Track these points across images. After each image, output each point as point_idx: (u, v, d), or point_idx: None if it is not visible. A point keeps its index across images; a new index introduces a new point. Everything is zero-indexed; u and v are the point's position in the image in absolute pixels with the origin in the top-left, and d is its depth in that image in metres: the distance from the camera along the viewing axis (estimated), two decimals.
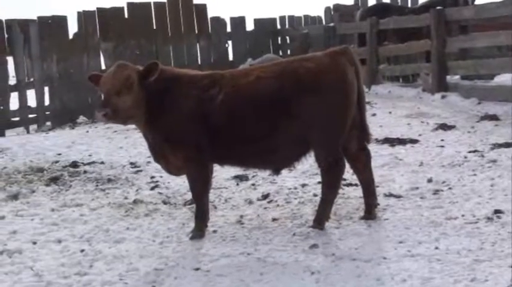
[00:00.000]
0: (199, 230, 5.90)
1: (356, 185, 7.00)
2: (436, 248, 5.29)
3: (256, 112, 5.69)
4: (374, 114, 11.24)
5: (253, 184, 7.45)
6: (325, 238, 5.67)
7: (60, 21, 13.44)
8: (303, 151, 5.83)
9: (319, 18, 18.54)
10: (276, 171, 6.07)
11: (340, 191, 6.78)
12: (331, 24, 16.29)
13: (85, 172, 8.31)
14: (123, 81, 5.73)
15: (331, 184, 5.83)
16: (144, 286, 5.02)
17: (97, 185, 7.77)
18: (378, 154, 8.31)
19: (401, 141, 9.05)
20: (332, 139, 5.72)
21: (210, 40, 15.38)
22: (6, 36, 12.89)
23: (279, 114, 5.64)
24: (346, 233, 5.75)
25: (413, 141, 9.07)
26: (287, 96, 5.62)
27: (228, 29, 15.78)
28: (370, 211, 6.06)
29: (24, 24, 13.03)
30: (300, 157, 5.89)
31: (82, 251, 5.71)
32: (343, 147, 5.80)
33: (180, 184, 7.58)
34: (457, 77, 13.88)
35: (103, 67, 13.79)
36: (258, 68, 6.01)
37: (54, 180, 7.98)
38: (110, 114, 5.66)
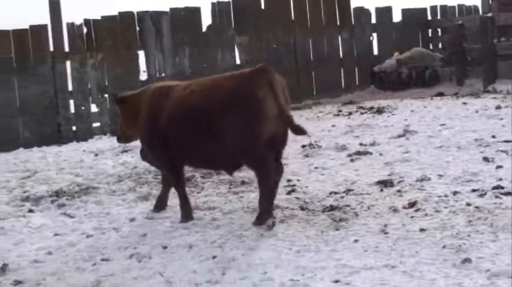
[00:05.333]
0: (186, 217, 6.91)
1: None
2: None
3: (187, 124, 6.68)
4: None
5: (398, 191, 7.38)
6: (479, 252, 5.55)
7: (193, 13, 13.74)
8: (234, 160, 6.71)
9: (476, 7, 18.10)
10: (229, 173, 7.17)
11: (497, 200, 6.63)
12: (489, 15, 15.87)
13: (218, 173, 8.47)
14: None
15: (263, 182, 6.57)
16: None
17: (230, 188, 7.92)
18: None
19: None
20: (248, 151, 6.48)
21: (353, 32, 15.32)
22: (137, 29, 13.32)
23: (205, 128, 6.58)
24: (503, 248, 5.60)
25: None
26: (208, 111, 6.54)
27: (373, 20, 15.67)
28: (259, 217, 6.63)
29: (156, 16, 13.42)
30: (239, 164, 6.81)
31: (214, 257, 5.84)
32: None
33: (318, 189, 7.63)
34: None
35: (238, 62, 14.00)
36: (200, 81, 7.00)
37: (186, 181, 8.16)
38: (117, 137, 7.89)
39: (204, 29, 13.92)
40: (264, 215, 6.61)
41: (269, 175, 6.57)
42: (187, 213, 6.96)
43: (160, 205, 7.38)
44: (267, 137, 6.48)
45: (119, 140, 7.85)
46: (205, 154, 6.75)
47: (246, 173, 8.37)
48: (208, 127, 6.54)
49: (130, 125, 7.41)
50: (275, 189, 6.78)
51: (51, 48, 12.65)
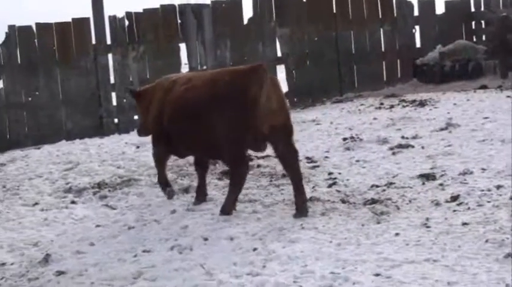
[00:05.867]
0: (166, 192, 7.52)
1: None
2: None
3: (184, 116, 7.02)
4: None
5: (440, 184, 7.33)
6: None
7: (234, 6, 13.74)
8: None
9: None
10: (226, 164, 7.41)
11: None
12: None
13: (259, 166, 8.50)
14: None
15: (234, 183, 6.89)
16: None
17: (271, 181, 7.94)
18: None
19: None
20: (231, 145, 6.76)
21: (395, 25, 15.20)
22: (179, 22, 13.38)
23: (200, 119, 6.89)
24: None
25: None
26: (204, 105, 6.84)
27: (416, 13, 15.54)
28: (299, 208, 6.73)
29: (197, 9, 13.46)
30: None
31: (255, 249, 5.87)
32: (273, 146, 6.91)
33: (359, 182, 7.62)
34: None
35: (279, 54, 14.00)
36: (200, 75, 7.52)
37: (227, 174, 8.19)
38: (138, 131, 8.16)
39: (245, 21, 13.92)
40: (228, 207, 6.88)
41: (241, 176, 6.89)
42: (165, 186, 7.59)
43: (201, 195, 7.45)
44: (263, 130, 6.74)
45: (139, 133, 8.05)
46: (203, 145, 7.08)
47: None
48: (205, 119, 6.85)
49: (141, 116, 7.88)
50: (299, 170, 6.91)
51: (93, 41, 12.76)
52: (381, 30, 15.01)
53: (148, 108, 7.56)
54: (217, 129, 6.77)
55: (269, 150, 9.02)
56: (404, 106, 11.62)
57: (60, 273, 5.84)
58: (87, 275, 5.76)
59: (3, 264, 6.25)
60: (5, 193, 8.42)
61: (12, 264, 6.24)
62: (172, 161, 8.89)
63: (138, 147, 10.43)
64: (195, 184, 7.88)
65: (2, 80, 12.07)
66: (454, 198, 6.81)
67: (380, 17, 14.99)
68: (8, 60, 12.19)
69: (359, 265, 5.39)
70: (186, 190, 7.82)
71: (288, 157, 6.85)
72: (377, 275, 5.19)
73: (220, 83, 6.88)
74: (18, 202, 8.09)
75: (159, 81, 7.68)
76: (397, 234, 5.99)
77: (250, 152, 9.03)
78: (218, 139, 6.80)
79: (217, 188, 7.74)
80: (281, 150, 6.86)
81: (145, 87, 7.85)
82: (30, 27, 12.48)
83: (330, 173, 8.05)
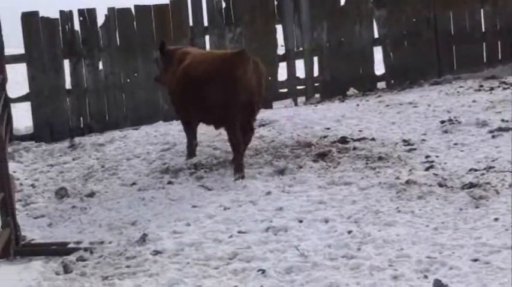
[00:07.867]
0: (189, 155, 8.68)
1: None
2: None
3: (187, 87, 8.31)
4: None
5: None
6: None
7: None
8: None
9: None
10: (216, 128, 8.73)
11: None
12: None
13: (354, 148, 8.43)
14: None
15: (233, 147, 8.11)
16: (416, 275, 5.04)
17: (367, 163, 7.87)
18: None
19: None
20: (224, 114, 8.06)
21: (496, 5, 14.84)
22: (275, 3, 13.36)
23: (197, 91, 8.16)
24: None
25: None
26: (200, 81, 8.13)
27: None
28: (235, 168, 7.91)
29: None
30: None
31: (350, 232, 5.85)
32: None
33: (457, 165, 7.49)
34: None
35: (376, 36, 13.85)
36: (201, 54, 8.86)
37: (322, 156, 8.19)
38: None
39: (342, 2, 13.81)
40: (239, 170, 7.87)
41: (235, 132, 8.04)
42: (190, 151, 8.70)
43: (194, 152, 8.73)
44: (242, 103, 7.97)
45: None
46: (200, 112, 8.39)
47: (384, 149, 8.30)
48: (199, 93, 8.13)
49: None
50: (248, 141, 8.34)
51: (191, 23, 12.86)
52: (481, 10, 14.66)
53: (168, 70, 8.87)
54: (208, 100, 8.10)
55: (365, 132, 9.06)
56: (504, 88, 11.37)
57: (156, 252, 5.94)
58: (183, 255, 5.84)
59: (102, 242, 6.40)
60: (104, 173, 8.60)
61: (110, 243, 6.37)
62: (268, 143, 8.94)
63: None
64: (290, 165, 7.89)
65: (101, 62, 12.28)
66: None
67: None
68: (108, 43, 12.39)
69: (456, 250, 5.31)
70: (281, 172, 7.82)
71: (246, 128, 8.22)
72: (475, 260, 5.11)
73: (211, 63, 8.24)
74: (117, 181, 8.26)
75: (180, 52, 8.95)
76: (496, 219, 5.88)
77: (345, 134, 9.05)
78: (212, 108, 8.10)
79: (313, 170, 7.72)
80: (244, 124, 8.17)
81: (172, 49, 9.09)
82: (129, 9, 12.65)
83: (427, 156, 7.94)
